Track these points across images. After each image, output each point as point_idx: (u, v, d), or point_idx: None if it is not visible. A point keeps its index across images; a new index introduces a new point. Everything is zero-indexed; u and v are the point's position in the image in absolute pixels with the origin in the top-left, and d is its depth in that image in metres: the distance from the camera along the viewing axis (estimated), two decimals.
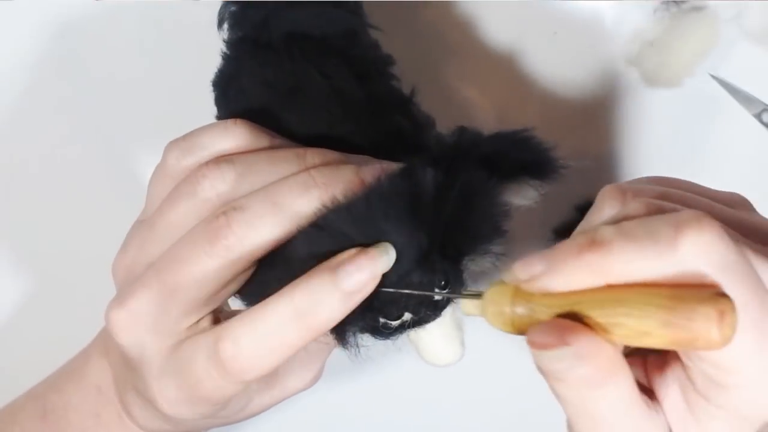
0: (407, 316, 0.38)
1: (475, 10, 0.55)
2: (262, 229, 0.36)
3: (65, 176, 0.57)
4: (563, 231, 0.55)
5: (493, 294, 0.32)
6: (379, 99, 0.44)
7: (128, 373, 0.40)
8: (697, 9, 0.53)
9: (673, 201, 0.32)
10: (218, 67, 0.46)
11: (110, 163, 0.57)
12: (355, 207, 0.36)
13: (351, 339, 0.37)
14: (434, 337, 0.40)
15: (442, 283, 0.37)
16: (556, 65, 0.55)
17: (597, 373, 0.29)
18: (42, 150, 0.58)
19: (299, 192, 0.36)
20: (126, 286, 0.39)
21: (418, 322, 0.38)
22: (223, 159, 0.38)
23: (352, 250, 0.35)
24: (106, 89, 0.58)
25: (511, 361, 0.54)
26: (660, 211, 0.30)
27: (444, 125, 0.44)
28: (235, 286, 0.38)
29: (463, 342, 0.41)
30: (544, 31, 0.55)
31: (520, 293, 0.31)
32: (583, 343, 0.29)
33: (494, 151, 0.40)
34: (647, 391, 0.32)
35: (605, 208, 0.33)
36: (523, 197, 0.42)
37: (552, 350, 0.29)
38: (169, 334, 0.37)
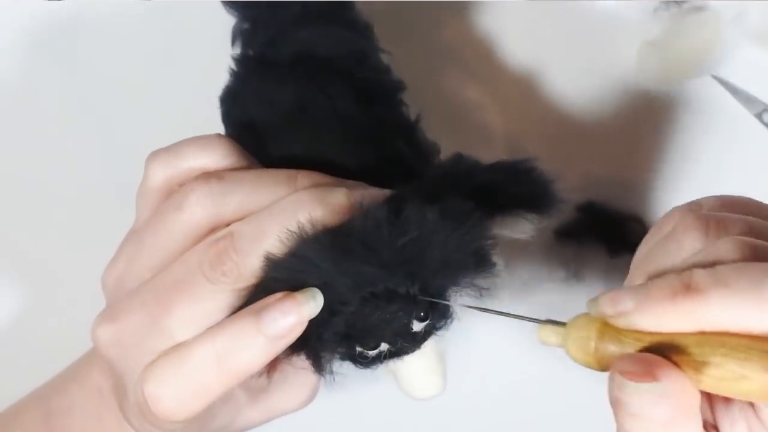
0: (384, 346, 0.37)
1: (487, 21, 0.55)
2: (255, 257, 0.35)
3: (63, 181, 0.57)
4: (564, 231, 0.55)
5: (578, 324, 0.31)
6: (382, 124, 0.44)
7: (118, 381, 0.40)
8: (698, 9, 0.53)
9: (763, 236, 0.31)
10: (226, 83, 0.46)
11: (110, 168, 0.57)
12: (324, 237, 0.35)
13: (326, 366, 0.37)
14: (413, 369, 0.39)
15: (421, 314, 0.37)
16: (556, 65, 0.55)
17: (676, 415, 0.28)
18: (41, 154, 0.58)
19: (290, 215, 0.36)
20: (116, 299, 0.39)
21: (395, 353, 0.38)
22: (213, 174, 0.38)
23: (278, 294, 0.35)
24: (107, 95, 0.58)
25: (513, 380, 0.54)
26: (755, 254, 0.30)
27: (455, 147, 0.44)
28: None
29: (445, 375, 0.40)
30: (544, 32, 0.55)
31: (607, 328, 0.30)
32: (672, 382, 0.28)
33: (489, 182, 0.40)
34: (707, 426, 0.32)
35: (686, 240, 0.32)
36: (518, 230, 0.41)
37: (638, 382, 0.28)
38: (153, 351, 0.37)
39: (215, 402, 0.37)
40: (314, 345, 0.36)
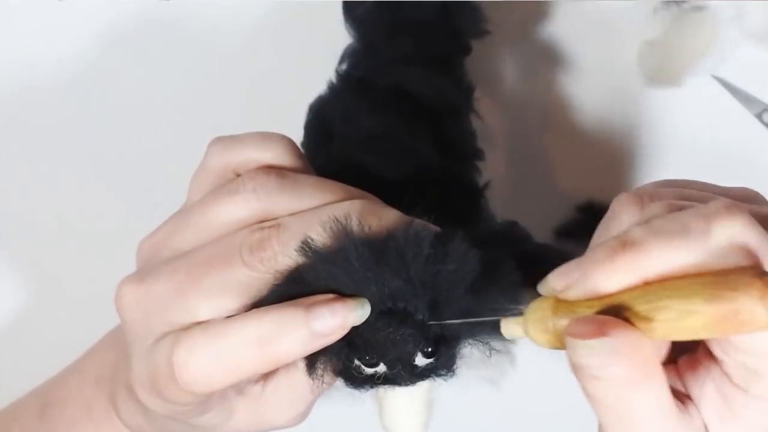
0: (382, 368, 0.37)
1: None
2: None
3: (68, 180, 0.57)
4: (564, 231, 0.55)
5: (534, 309, 0.32)
6: (451, 180, 0.45)
7: (125, 361, 0.40)
8: (698, 9, 0.53)
9: (692, 200, 0.32)
10: (321, 93, 0.48)
11: (115, 168, 0.57)
12: (366, 238, 0.35)
13: (320, 370, 0.37)
14: (400, 403, 0.39)
15: (428, 349, 0.36)
16: (556, 65, 0.55)
17: (634, 373, 0.29)
18: (48, 153, 0.58)
19: (342, 218, 0.35)
20: (147, 264, 0.38)
21: (390, 379, 0.37)
22: (274, 170, 0.38)
23: (329, 295, 0.35)
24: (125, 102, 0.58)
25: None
26: (683, 209, 0.31)
27: None
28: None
29: (427, 425, 0.39)
30: (544, 33, 0.55)
31: (561, 304, 0.31)
32: (623, 337, 0.29)
33: (536, 255, 0.41)
34: (681, 396, 0.32)
35: (624, 215, 0.33)
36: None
37: (590, 340, 0.29)
38: (170, 323, 0.36)
39: (214, 397, 0.37)
40: None
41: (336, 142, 0.45)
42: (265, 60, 0.58)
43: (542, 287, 0.32)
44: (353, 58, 0.49)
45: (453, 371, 0.38)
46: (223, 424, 0.40)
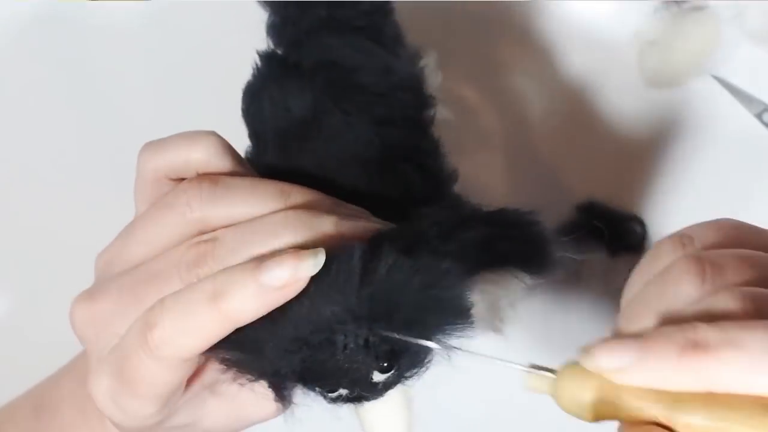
0: (343, 390, 0.36)
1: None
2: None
3: (59, 179, 0.57)
4: (564, 231, 0.55)
5: (571, 377, 0.29)
6: (397, 147, 0.42)
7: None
8: (698, 9, 0.53)
9: (762, 284, 0.30)
10: (249, 78, 0.46)
11: (103, 165, 0.57)
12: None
13: (287, 396, 0.36)
14: (376, 414, 0.38)
15: (383, 365, 0.35)
16: (556, 65, 0.55)
17: None
18: (39, 152, 0.58)
19: (273, 233, 0.35)
20: (100, 279, 0.39)
21: (355, 398, 0.36)
22: (206, 178, 0.38)
23: (284, 249, 0.34)
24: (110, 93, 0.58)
25: None
26: (756, 307, 0.29)
27: (455, 148, 0.43)
28: None
29: (411, 424, 0.38)
30: (544, 33, 0.55)
31: (605, 383, 0.28)
32: None
33: (484, 235, 0.38)
34: None
35: (682, 284, 0.30)
36: (506, 288, 0.39)
37: None
38: (118, 336, 0.37)
39: (176, 396, 0.37)
40: (272, 378, 0.35)
41: (271, 131, 0.43)
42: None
43: (586, 359, 0.29)
44: (274, 34, 0.46)
45: (423, 367, 0.36)
46: (199, 423, 0.40)
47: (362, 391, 0.36)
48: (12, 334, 0.57)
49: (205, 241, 0.36)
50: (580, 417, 0.29)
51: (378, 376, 0.35)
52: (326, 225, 0.36)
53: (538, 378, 0.30)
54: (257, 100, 0.45)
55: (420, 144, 0.44)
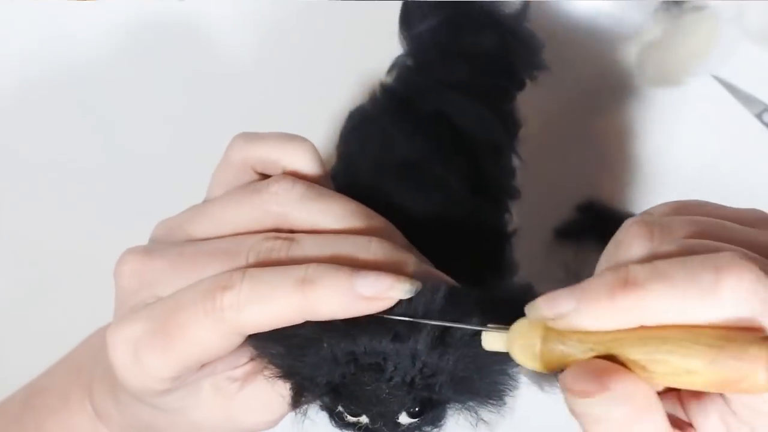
0: (364, 418, 0.36)
1: None
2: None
3: (66, 178, 0.58)
4: (564, 231, 0.55)
5: (521, 328, 0.31)
6: (478, 221, 0.43)
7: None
8: (698, 9, 0.53)
9: (705, 237, 0.31)
10: (362, 101, 0.46)
11: (114, 164, 0.57)
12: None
13: (302, 405, 0.36)
14: None
15: (414, 409, 0.35)
16: (556, 65, 0.55)
17: (634, 413, 0.29)
18: (47, 150, 0.58)
19: (354, 253, 0.35)
20: (158, 242, 0.39)
21: (371, 430, 0.36)
22: (301, 179, 0.38)
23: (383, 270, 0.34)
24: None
25: None
26: (692, 249, 0.30)
27: None
28: None
29: None
30: (544, 32, 0.55)
31: (550, 332, 0.30)
32: (623, 386, 0.28)
33: None
34: (682, 424, 0.32)
35: (633, 246, 0.32)
36: (545, 379, 0.38)
37: (592, 398, 0.28)
38: (157, 297, 0.36)
39: (192, 372, 0.36)
40: (303, 381, 0.35)
41: (368, 161, 0.44)
42: (277, 62, 0.58)
43: (531, 311, 0.31)
44: (401, 72, 0.47)
45: (438, 428, 0.36)
46: (188, 411, 0.39)
47: (384, 426, 0.36)
48: (20, 328, 0.57)
49: (285, 238, 0.36)
50: (533, 367, 0.31)
51: (404, 418, 0.35)
52: (406, 261, 0.36)
53: (494, 336, 0.32)
54: (366, 126, 0.45)
55: (500, 226, 0.45)
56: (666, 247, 0.30)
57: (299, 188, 0.37)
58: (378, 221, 0.38)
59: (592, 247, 0.55)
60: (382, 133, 0.44)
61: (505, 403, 0.36)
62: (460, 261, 0.40)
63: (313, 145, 0.39)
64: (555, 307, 0.30)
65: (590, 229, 0.55)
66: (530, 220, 0.55)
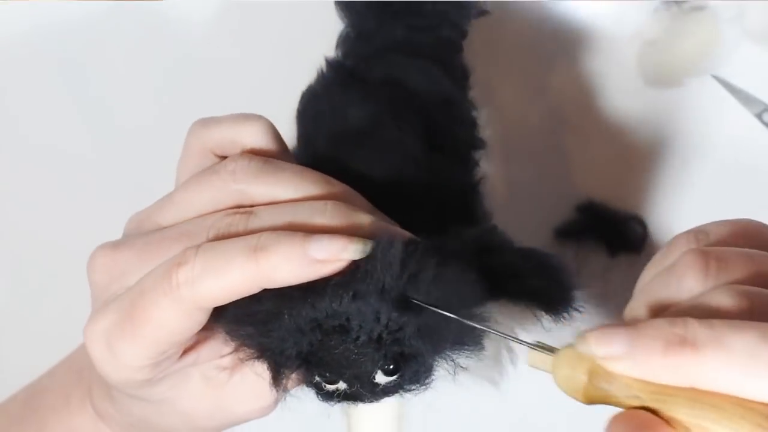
0: (342, 384, 0.36)
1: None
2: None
3: (63, 174, 0.58)
4: (564, 231, 0.55)
5: (568, 358, 0.30)
6: (440, 176, 0.43)
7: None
8: (698, 9, 0.53)
9: (764, 280, 0.30)
10: (311, 81, 0.47)
11: (107, 161, 0.57)
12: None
13: (282, 381, 0.35)
14: (365, 420, 0.38)
15: (389, 367, 0.35)
16: (555, 65, 0.55)
17: None
18: (42, 147, 0.58)
19: (310, 218, 0.35)
20: (128, 237, 0.39)
21: (351, 396, 0.36)
22: (257, 155, 0.38)
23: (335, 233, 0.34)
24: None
25: None
26: (751, 306, 0.29)
27: None
28: None
29: None
30: (544, 31, 0.55)
31: (598, 370, 0.29)
32: None
33: (512, 264, 0.38)
34: None
35: (686, 276, 0.31)
36: (520, 322, 0.39)
37: None
38: (126, 288, 0.36)
39: (170, 360, 0.37)
40: (275, 357, 0.35)
41: (323, 136, 0.44)
42: (258, 54, 0.58)
43: (581, 343, 0.30)
44: (345, 46, 0.48)
45: (424, 385, 0.36)
46: (178, 401, 0.39)
47: (361, 389, 0.35)
48: (19, 331, 0.57)
49: (242, 213, 0.36)
50: (574, 397, 0.30)
51: (381, 378, 0.35)
52: (363, 221, 0.35)
53: (540, 356, 0.31)
54: (316, 103, 0.46)
55: (463, 178, 0.45)
56: (725, 299, 0.29)
57: (255, 163, 0.37)
58: (337, 187, 0.38)
59: (592, 247, 0.55)
60: (333, 106, 0.45)
61: (482, 347, 0.35)
62: (426, 218, 0.40)
63: (268, 122, 0.39)
64: (607, 347, 0.29)
65: (590, 229, 0.55)
66: (530, 220, 0.55)
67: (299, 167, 0.38)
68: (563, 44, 0.55)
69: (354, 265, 0.33)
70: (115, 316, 0.35)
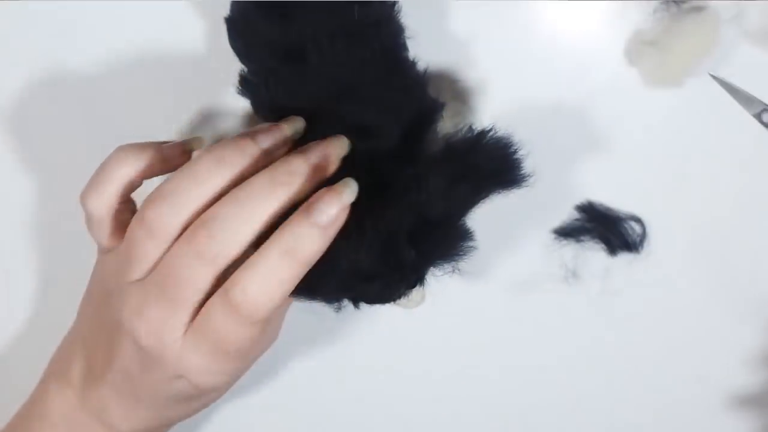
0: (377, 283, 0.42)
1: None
2: (240, 232, 0.40)
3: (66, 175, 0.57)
4: (563, 231, 0.55)
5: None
6: (377, 82, 0.46)
7: (123, 374, 0.41)
8: (698, 9, 0.53)
9: None
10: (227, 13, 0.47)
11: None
12: None
13: (337, 302, 0.42)
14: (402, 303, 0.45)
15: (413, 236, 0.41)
16: (555, 65, 0.55)
17: None
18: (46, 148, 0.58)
19: (267, 194, 0.40)
20: (127, 291, 0.42)
21: (386, 295, 0.44)
22: (159, 191, 0.41)
23: (321, 190, 0.40)
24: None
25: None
26: None
27: None
28: None
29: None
30: (544, 31, 0.55)
31: None
32: None
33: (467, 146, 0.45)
34: None
35: None
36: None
37: None
38: (181, 325, 0.40)
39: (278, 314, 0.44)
40: (324, 291, 0.42)
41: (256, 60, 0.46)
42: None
43: None
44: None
45: (453, 260, 0.43)
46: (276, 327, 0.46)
47: (392, 269, 0.42)
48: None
49: (201, 224, 0.40)
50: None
51: (409, 254, 0.42)
52: (300, 167, 0.41)
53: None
54: (241, 31, 0.46)
55: (390, 78, 0.47)
56: None
57: (170, 199, 0.40)
58: (260, 136, 0.43)
59: (592, 247, 0.55)
60: (258, 33, 0.45)
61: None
62: (383, 120, 0.45)
63: (126, 148, 0.43)
64: None
65: (590, 229, 0.55)
66: (530, 220, 0.55)
67: (212, 152, 0.41)
68: (563, 44, 0.55)
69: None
70: (202, 355, 0.41)
